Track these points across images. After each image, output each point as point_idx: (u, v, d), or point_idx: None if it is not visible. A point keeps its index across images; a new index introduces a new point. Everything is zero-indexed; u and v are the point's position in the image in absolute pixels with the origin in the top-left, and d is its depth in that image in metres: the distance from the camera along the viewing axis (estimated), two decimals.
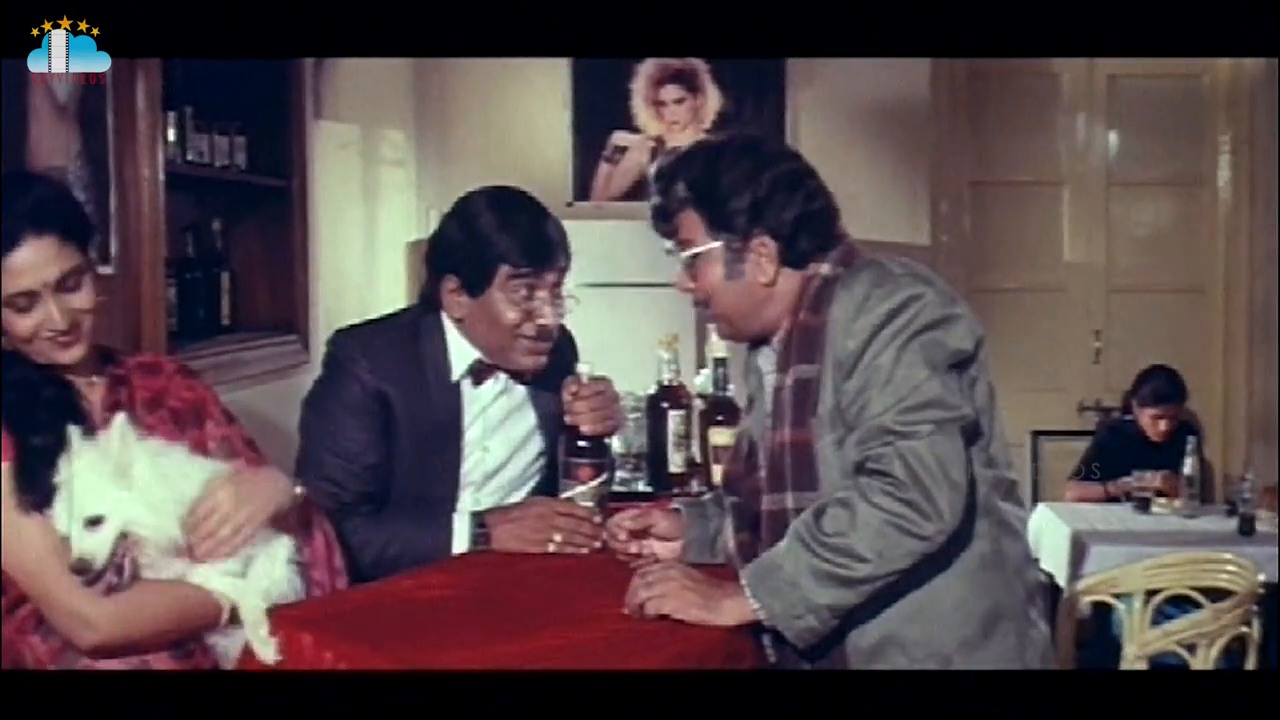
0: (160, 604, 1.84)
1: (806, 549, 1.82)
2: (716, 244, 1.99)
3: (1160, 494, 4.67)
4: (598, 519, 2.26)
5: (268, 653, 1.78)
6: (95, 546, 1.78)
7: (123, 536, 1.80)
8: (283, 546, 1.94)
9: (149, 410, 1.99)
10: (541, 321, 2.31)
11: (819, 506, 1.85)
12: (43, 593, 1.80)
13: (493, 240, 2.28)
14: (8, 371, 1.86)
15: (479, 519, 2.29)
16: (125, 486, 1.81)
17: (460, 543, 2.27)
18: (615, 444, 2.54)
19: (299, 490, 1.97)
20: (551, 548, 2.24)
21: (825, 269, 1.97)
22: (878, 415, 1.83)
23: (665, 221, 2.05)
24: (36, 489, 1.80)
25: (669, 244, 2.07)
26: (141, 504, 1.81)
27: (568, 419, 2.31)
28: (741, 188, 1.97)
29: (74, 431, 1.82)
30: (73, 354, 1.91)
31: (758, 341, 2.07)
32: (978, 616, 1.91)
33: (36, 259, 1.84)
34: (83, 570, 1.77)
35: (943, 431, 1.82)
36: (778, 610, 1.83)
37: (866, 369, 1.86)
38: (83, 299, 1.90)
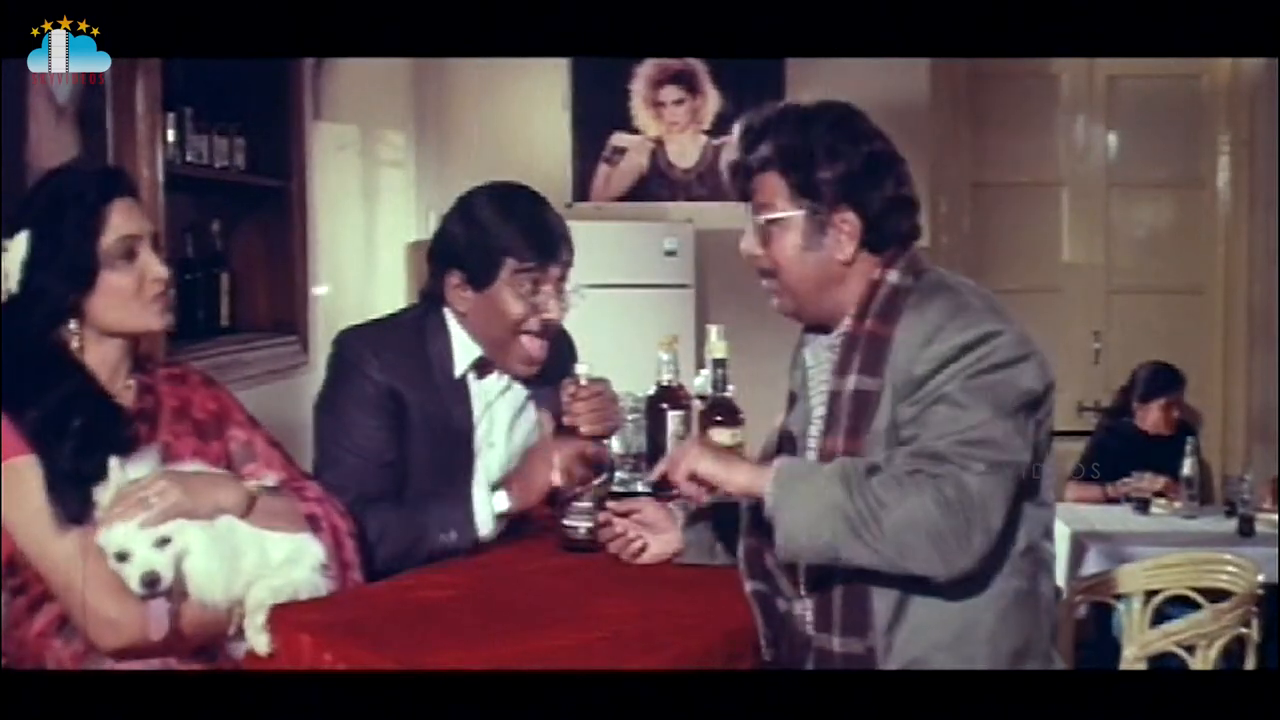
0: (182, 611, 1.84)
1: (846, 490, 1.75)
2: (798, 212, 1.91)
3: (1160, 495, 4.67)
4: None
5: (260, 641, 1.81)
6: (163, 564, 1.80)
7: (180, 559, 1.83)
8: (309, 553, 1.94)
9: (175, 419, 2.00)
10: (546, 316, 2.31)
11: (872, 464, 1.79)
12: (69, 590, 1.81)
13: (497, 234, 2.29)
14: (52, 386, 1.86)
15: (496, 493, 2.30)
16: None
17: (483, 515, 2.27)
18: (614, 444, 2.54)
19: (251, 485, 1.94)
20: (560, 479, 2.26)
21: (894, 277, 1.91)
22: (934, 440, 1.78)
23: (744, 179, 1.95)
24: (69, 503, 1.80)
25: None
26: (203, 533, 1.83)
27: (566, 420, 2.31)
28: (834, 157, 1.90)
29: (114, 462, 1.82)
30: (168, 318, 1.98)
31: (813, 328, 2.00)
32: (1006, 653, 1.87)
33: (131, 213, 1.93)
34: (151, 584, 1.78)
35: (995, 473, 1.78)
36: (786, 515, 1.78)
37: (930, 395, 1.81)
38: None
